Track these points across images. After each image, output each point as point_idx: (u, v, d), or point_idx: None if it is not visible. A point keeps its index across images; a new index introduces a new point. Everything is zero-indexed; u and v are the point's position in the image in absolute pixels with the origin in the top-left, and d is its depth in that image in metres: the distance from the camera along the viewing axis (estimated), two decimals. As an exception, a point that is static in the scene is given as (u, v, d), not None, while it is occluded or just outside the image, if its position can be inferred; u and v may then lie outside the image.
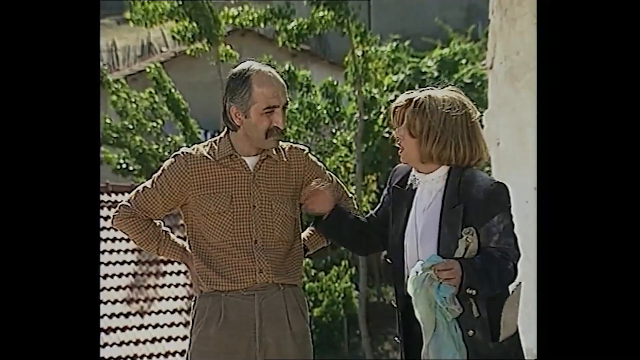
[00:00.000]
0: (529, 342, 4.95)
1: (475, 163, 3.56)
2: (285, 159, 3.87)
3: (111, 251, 12.56)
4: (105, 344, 11.51)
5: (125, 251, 12.69)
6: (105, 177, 14.41)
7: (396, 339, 3.67)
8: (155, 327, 12.09)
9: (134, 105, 17.14)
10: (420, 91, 3.58)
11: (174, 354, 11.80)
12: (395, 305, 3.64)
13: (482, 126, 3.74)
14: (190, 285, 11.59)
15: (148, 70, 17.49)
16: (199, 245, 3.84)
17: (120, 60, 25.19)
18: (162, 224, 3.95)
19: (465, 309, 3.40)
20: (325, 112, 17.19)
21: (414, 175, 3.62)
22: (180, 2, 15.77)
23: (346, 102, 17.42)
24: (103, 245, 12.36)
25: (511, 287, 3.53)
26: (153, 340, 11.93)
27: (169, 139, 17.16)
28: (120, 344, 11.68)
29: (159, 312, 12.30)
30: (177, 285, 12.74)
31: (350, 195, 4.03)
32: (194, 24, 15.81)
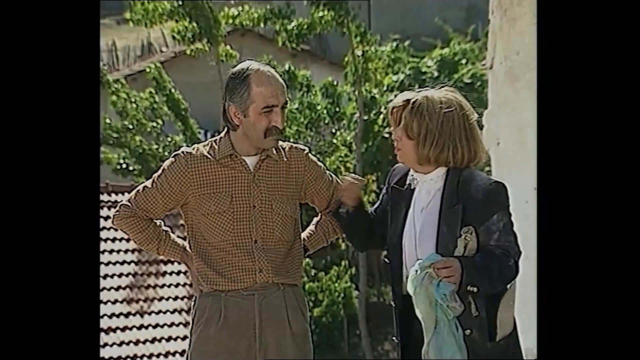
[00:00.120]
0: (529, 342, 4.94)
1: (473, 164, 3.56)
2: (285, 159, 3.87)
3: (111, 251, 12.56)
4: (105, 344, 11.51)
5: (125, 251, 12.69)
6: (105, 177, 14.41)
7: (394, 338, 3.67)
8: (155, 327, 12.09)
9: (134, 105, 17.14)
10: (418, 92, 3.57)
11: (174, 354, 11.81)
12: (393, 305, 3.64)
13: (482, 126, 3.74)
14: (190, 285, 11.59)
15: (148, 70, 17.49)
16: (199, 245, 3.84)
17: (120, 60, 25.19)
18: (163, 223, 3.95)
19: (465, 307, 3.40)
20: (325, 112, 17.20)
21: (412, 175, 3.62)
22: (180, 2, 15.77)
23: (346, 102, 17.43)
24: (103, 245, 12.36)
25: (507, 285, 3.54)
26: (153, 340, 11.93)
27: (169, 139, 17.16)
28: (120, 344, 11.68)
29: (159, 312, 12.31)
30: (177, 285, 12.75)
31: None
32: (194, 24, 15.82)
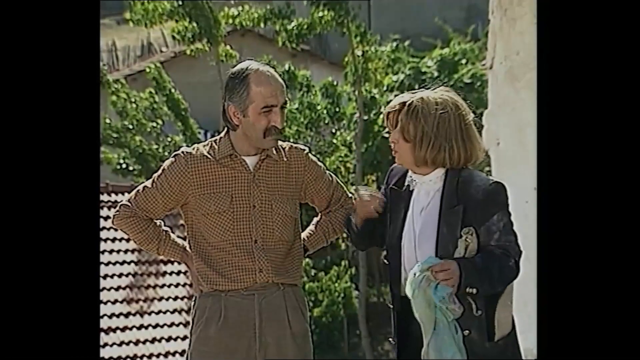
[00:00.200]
0: (529, 342, 4.94)
1: (470, 164, 3.56)
2: (285, 159, 3.87)
3: (111, 251, 12.56)
4: (105, 344, 11.51)
5: (125, 251, 12.70)
6: (105, 177, 14.42)
7: (391, 339, 3.67)
8: (155, 327, 12.10)
9: (134, 106, 17.16)
10: (414, 93, 3.57)
11: (174, 354, 11.81)
12: (391, 306, 3.64)
13: (482, 126, 3.74)
14: (190, 285, 11.60)
15: (148, 70, 17.50)
16: (199, 245, 3.84)
17: (120, 61, 25.20)
18: (163, 223, 3.95)
19: (465, 307, 3.40)
20: (325, 112, 17.21)
21: (410, 177, 3.62)
22: (180, 2, 15.78)
23: (346, 102, 17.44)
24: (103, 245, 12.36)
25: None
26: (153, 341, 11.93)
27: (169, 139, 17.17)
28: (120, 344, 11.69)
29: (159, 312, 12.31)
30: (177, 285, 12.75)
31: (350, 195, 4.03)
32: (194, 24, 15.83)
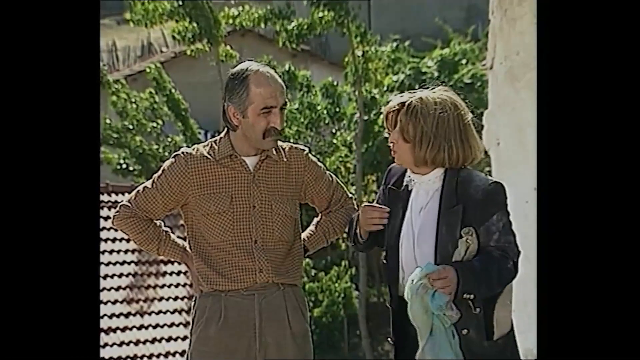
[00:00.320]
0: (528, 342, 4.94)
1: (469, 163, 3.56)
2: (285, 159, 3.87)
3: (111, 251, 12.57)
4: (105, 344, 11.52)
5: (125, 251, 12.70)
6: (105, 177, 14.42)
7: (389, 339, 3.67)
8: (155, 327, 12.10)
9: (134, 106, 17.16)
10: (412, 93, 3.57)
11: (174, 354, 11.81)
12: (389, 306, 3.64)
13: (482, 126, 3.74)
14: (191, 285, 11.60)
15: (148, 70, 17.51)
16: (199, 245, 3.84)
17: (120, 61, 25.21)
18: (163, 224, 3.95)
19: (462, 307, 3.40)
20: (325, 112, 17.21)
21: (409, 177, 3.62)
22: (181, 3, 15.78)
23: (346, 103, 17.44)
24: (103, 246, 12.37)
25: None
26: (153, 341, 11.93)
27: (169, 139, 17.17)
28: (120, 344, 11.69)
29: (159, 312, 12.31)
30: (177, 286, 12.75)
31: (350, 195, 4.03)
32: (194, 24, 15.83)
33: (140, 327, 12.00)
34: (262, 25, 16.41)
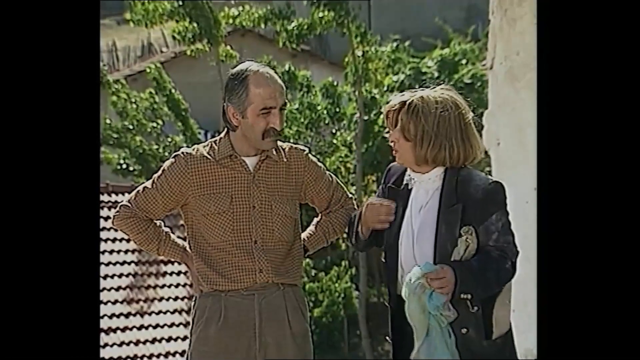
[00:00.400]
0: (528, 342, 4.94)
1: (469, 162, 3.56)
2: (285, 159, 3.87)
3: (111, 251, 12.57)
4: (106, 344, 11.51)
5: (126, 251, 12.70)
6: (105, 177, 14.43)
7: (387, 338, 3.67)
8: (155, 327, 12.10)
9: (134, 106, 17.16)
10: (414, 92, 3.57)
11: (174, 354, 11.81)
12: (388, 305, 3.64)
13: (482, 126, 3.74)
14: (191, 286, 11.60)
15: (148, 70, 17.51)
16: (199, 245, 3.84)
17: (120, 61, 25.20)
18: (163, 224, 3.96)
19: (460, 306, 3.40)
20: (325, 112, 17.21)
21: (409, 175, 3.62)
22: (181, 3, 15.78)
23: (346, 103, 17.44)
24: (103, 246, 12.37)
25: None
26: (153, 341, 11.93)
27: (169, 140, 17.17)
28: (120, 345, 11.69)
29: (159, 312, 12.31)
30: (177, 286, 12.75)
31: (350, 195, 4.03)
32: (194, 25, 15.83)
33: (140, 327, 12.00)
34: (262, 25, 16.40)
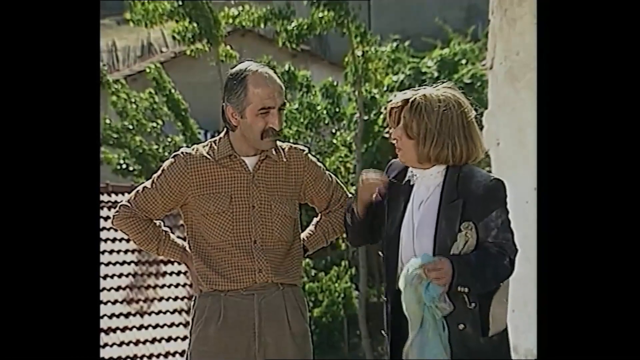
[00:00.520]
0: (529, 342, 4.94)
1: (472, 161, 3.57)
2: (284, 159, 3.87)
3: (111, 251, 12.57)
4: (105, 344, 11.51)
5: (125, 251, 12.70)
6: (105, 177, 14.42)
7: (383, 332, 3.67)
8: (155, 327, 12.10)
9: (134, 106, 17.15)
10: (416, 91, 3.58)
11: (174, 354, 11.81)
12: (385, 299, 3.65)
13: (482, 126, 3.74)
14: (190, 286, 11.59)
15: (148, 70, 17.50)
16: (199, 245, 3.84)
17: (120, 61, 25.20)
18: (162, 224, 3.96)
19: (458, 302, 3.41)
20: (325, 112, 17.20)
21: (412, 172, 3.62)
22: (180, 3, 15.78)
23: (346, 103, 17.43)
24: (103, 246, 12.36)
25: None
26: (153, 341, 11.93)
27: (169, 139, 17.17)
28: (120, 344, 11.69)
29: (159, 312, 12.31)
30: (177, 286, 12.75)
31: (350, 195, 4.03)
32: (194, 25, 15.83)
33: (140, 327, 12.00)
34: (262, 25, 16.40)
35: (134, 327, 11.96)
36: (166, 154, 15.98)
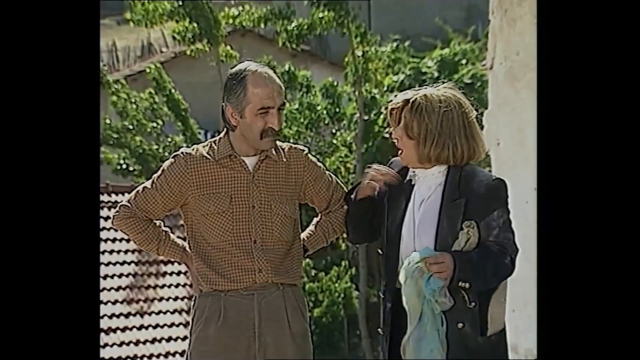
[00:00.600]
0: (529, 342, 4.94)
1: (473, 160, 3.57)
2: (284, 159, 3.87)
3: (111, 251, 12.57)
4: (106, 345, 11.52)
5: (126, 251, 12.70)
6: (105, 177, 14.42)
7: (380, 330, 3.67)
8: (155, 327, 12.10)
9: (134, 106, 17.16)
10: (417, 91, 3.58)
11: (174, 354, 11.82)
12: (382, 296, 3.65)
13: (482, 127, 3.74)
14: (190, 286, 11.60)
15: (148, 70, 17.51)
16: (199, 245, 3.84)
17: (120, 61, 25.20)
18: (162, 224, 3.96)
19: (458, 300, 3.41)
20: (325, 112, 17.20)
21: (413, 171, 3.63)
22: (181, 3, 15.79)
23: (346, 103, 17.43)
24: (103, 246, 12.37)
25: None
26: (153, 341, 11.94)
27: (169, 140, 17.17)
28: (120, 345, 11.69)
29: (159, 312, 12.31)
30: (177, 286, 12.75)
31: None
32: (194, 25, 15.84)
33: (140, 328, 12.00)
34: (262, 25, 16.41)
35: (134, 327, 11.97)
36: (166, 154, 15.99)
